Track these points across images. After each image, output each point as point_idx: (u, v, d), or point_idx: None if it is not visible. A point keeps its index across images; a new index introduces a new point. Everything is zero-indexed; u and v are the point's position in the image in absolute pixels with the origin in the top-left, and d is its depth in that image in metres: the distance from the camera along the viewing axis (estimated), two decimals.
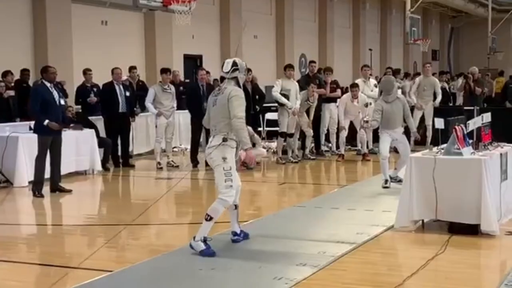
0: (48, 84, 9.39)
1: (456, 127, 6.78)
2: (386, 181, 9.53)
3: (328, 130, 13.67)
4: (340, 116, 13.03)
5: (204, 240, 5.99)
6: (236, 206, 6.43)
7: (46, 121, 9.22)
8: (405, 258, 6.18)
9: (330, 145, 14.06)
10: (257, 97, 12.76)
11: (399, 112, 9.55)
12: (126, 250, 6.67)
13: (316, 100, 12.85)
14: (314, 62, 14.29)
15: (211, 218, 6.04)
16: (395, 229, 6.91)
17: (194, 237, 6.04)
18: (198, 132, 12.28)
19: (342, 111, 12.92)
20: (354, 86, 13.12)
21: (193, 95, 12.34)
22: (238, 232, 6.50)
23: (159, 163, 12.22)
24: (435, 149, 7.18)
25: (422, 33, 27.73)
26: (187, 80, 18.11)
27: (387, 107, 9.46)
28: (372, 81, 14.20)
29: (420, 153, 7.28)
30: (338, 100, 13.40)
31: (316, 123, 13.36)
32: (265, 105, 13.72)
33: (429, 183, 6.69)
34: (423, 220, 7.00)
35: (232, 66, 6.38)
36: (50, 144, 9.41)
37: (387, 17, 32.95)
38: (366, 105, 12.84)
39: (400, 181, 9.11)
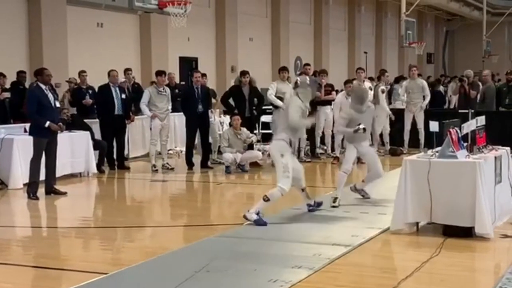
0: (43, 87, 9.38)
1: (451, 130, 6.80)
2: (335, 199, 8.49)
3: (323, 132, 13.70)
4: (336, 117, 13.03)
5: (257, 213, 7.22)
6: (303, 189, 7.99)
7: (48, 123, 9.20)
8: (400, 261, 6.19)
9: (325, 147, 14.08)
10: (255, 100, 12.76)
11: (369, 124, 8.80)
12: (121, 252, 6.67)
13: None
14: (308, 64, 14.32)
15: (268, 200, 7.37)
16: (390, 232, 6.92)
17: (248, 210, 7.28)
18: (193, 134, 12.28)
19: (337, 111, 12.91)
20: (348, 82, 13.19)
21: (188, 97, 12.35)
22: (312, 203, 8.12)
23: (154, 165, 12.22)
24: (429, 152, 7.19)
25: (417, 36, 27.77)
26: (183, 83, 18.12)
27: (357, 117, 8.54)
28: (367, 83, 14.21)
29: (415, 156, 7.30)
30: (333, 103, 13.42)
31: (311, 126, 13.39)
32: None
33: (424, 186, 6.70)
34: (418, 223, 7.01)
35: (295, 85, 8.31)
36: (45, 146, 9.40)
37: (382, 20, 33.03)
38: None
39: (366, 197, 8.83)
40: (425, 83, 14.68)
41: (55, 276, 5.74)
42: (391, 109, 14.47)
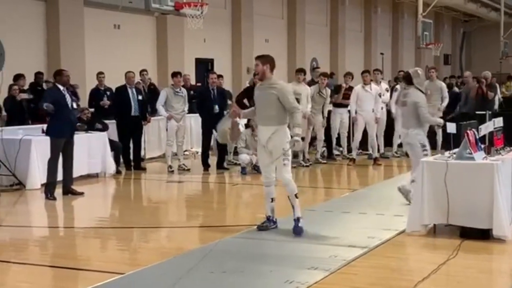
0: (61, 87, 9.46)
1: (468, 131, 6.76)
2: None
3: (339, 134, 13.68)
4: (352, 107, 12.98)
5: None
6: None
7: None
8: (417, 263, 6.16)
9: (341, 149, 14.05)
10: None
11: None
12: (137, 252, 6.70)
13: (328, 93, 12.92)
14: (318, 68, 14.32)
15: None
16: (407, 234, 6.89)
17: (299, 218, 6.90)
18: (209, 135, 12.31)
19: (354, 100, 12.86)
20: (365, 72, 13.19)
21: (204, 99, 12.38)
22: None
23: (170, 166, 12.26)
24: (447, 153, 7.15)
25: (434, 37, 27.64)
26: (199, 84, 18.15)
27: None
28: (384, 85, 14.18)
29: (432, 158, 7.26)
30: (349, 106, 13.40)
31: (327, 128, 13.39)
32: None
33: (441, 187, 6.67)
34: (434, 225, 6.97)
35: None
36: (62, 147, 9.47)
37: (398, 21, 32.90)
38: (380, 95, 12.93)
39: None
40: (443, 85, 14.54)
41: (72, 275, 5.78)
42: None
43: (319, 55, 25.90)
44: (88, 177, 11.28)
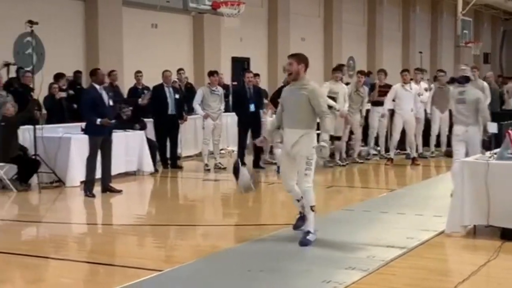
0: (97, 87, 9.59)
1: (510, 131, 6.63)
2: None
3: (377, 133, 13.56)
4: (386, 103, 12.85)
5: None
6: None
7: (98, 120, 9.39)
8: (456, 264, 6.07)
9: (378, 148, 13.92)
10: None
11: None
12: (174, 250, 6.73)
13: (366, 91, 12.80)
14: (343, 66, 14.30)
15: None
16: (446, 234, 6.79)
17: (309, 232, 6.44)
18: (245, 134, 12.32)
19: (390, 97, 12.73)
20: (405, 71, 13.06)
21: (239, 98, 12.39)
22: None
23: (206, 164, 12.30)
24: (487, 153, 7.02)
25: (473, 36, 27.25)
26: (234, 83, 18.18)
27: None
28: (423, 84, 14.00)
29: (472, 158, 7.14)
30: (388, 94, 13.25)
31: (365, 127, 13.30)
32: None
33: (482, 188, 6.55)
34: (474, 226, 6.86)
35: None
36: (100, 145, 9.58)
37: (437, 19, 32.48)
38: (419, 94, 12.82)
39: None
40: (485, 84, 14.28)
41: (110, 272, 5.84)
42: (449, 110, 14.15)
43: (356, 54, 25.72)
44: (126, 175, 11.38)
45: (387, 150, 13.41)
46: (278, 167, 11.80)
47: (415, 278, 5.45)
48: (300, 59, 6.62)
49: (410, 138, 13.03)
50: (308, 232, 6.45)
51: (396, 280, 5.39)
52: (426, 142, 13.95)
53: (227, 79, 17.92)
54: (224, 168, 12.35)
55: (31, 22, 10.34)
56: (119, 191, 9.82)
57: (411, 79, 13.11)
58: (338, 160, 12.72)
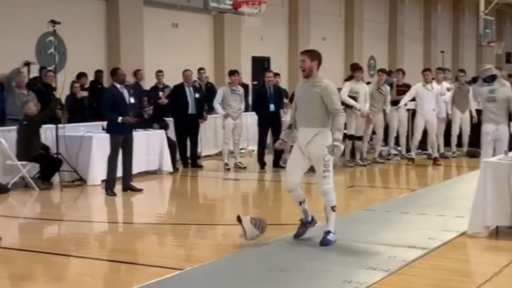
0: (118, 86, 9.65)
1: None
2: None
3: (397, 133, 13.48)
4: (404, 99, 12.76)
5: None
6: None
7: (120, 118, 9.44)
8: (478, 265, 6.02)
9: (399, 148, 13.83)
10: None
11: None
12: (194, 249, 6.74)
13: (388, 90, 12.73)
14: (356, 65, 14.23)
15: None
16: (468, 235, 6.73)
17: (329, 232, 6.32)
18: (265, 134, 12.31)
19: (409, 95, 12.64)
20: (426, 70, 12.97)
21: (260, 97, 12.38)
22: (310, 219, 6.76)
23: (226, 164, 12.30)
24: (510, 154, 6.94)
25: (496, 35, 26.97)
26: (255, 82, 18.18)
27: None
28: (445, 84, 13.88)
29: (495, 158, 7.07)
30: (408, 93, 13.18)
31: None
32: None
33: (504, 188, 6.49)
34: (497, 226, 6.79)
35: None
36: (122, 144, 9.63)
37: (459, 18, 32.23)
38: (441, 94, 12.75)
39: None
40: (508, 84, 14.10)
41: (131, 270, 5.86)
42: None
43: (377, 54, 25.60)
44: (146, 174, 11.42)
45: (408, 150, 13.32)
46: None
47: (436, 279, 5.40)
48: (313, 55, 6.41)
49: (432, 138, 12.93)
50: (328, 232, 6.36)
51: (417, 280, 5.35)
52: (447, 142, 13.84)
53: (247, 78, 17.92)
54: (244, 168, 12.35)
55: (53, 22, 10.42)
56: (140, 190, 9.86)
57: (433, 79, 13.01)
58: (359, 160, 12.66)
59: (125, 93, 9.72)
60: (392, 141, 13.68)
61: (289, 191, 6.59)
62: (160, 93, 12.61)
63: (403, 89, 13.25)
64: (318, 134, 6.28)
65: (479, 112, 13.56)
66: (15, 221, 8.22)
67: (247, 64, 19.20)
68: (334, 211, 6.41)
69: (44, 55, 13.34)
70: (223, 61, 18.15)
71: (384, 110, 12.79)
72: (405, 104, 13.15)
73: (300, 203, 6.55)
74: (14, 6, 13.16)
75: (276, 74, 13.69)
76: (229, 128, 12.31)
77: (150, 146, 11.47)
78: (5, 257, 6.24)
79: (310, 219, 6.67)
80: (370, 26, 25.28)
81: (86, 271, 5.81)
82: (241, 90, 12.62)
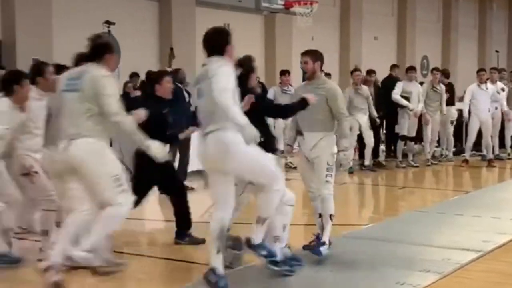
0: (179, 85, 9.87)
1: None
2: None
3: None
4: (465, 106, 12.55)
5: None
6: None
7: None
8: None
9: (454, 149, 13.62)
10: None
11: None
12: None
13: (443, 88, 12.54)
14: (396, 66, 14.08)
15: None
16: None
17: (324, 243, 5.85)
18: None
19: (468, 100, 12.42)
20: (481, 70, 12.77)
21: None
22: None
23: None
24: None
25: None
26: (304, 82, 18.10)
27: None
28: (500, 84, 13.59)
29: None
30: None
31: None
32: None
33: None
34: None
35: None
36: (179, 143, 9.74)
37: None
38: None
39: None
40: None
41: (184, 268, 5.92)
42: None
43: (430, 53, 25.22)
44: (198, 173, 11.49)
45: (460, 152, 13.13)
46: (350, 167, 11.70)
47: (490, 282, 5.32)
48: (316, 56, 6.06)
49: (487, 139, 12.68)
50: (323, 243, 5.86)
51: (471, 283, 5.28)
52: (502, 144, 13.56)
53: (297, 78, 17.89)
54: (295, 168, 12.31)
55: (108, 23, 10.63)
56: (192, 189, 9.94)
57: (487, 79, 12.77)
58: (411, 160, 12.51)
59: (185, 92, 9.94)
60: (446, 142, 13.47)
61: (312, 200, 6.16)
62: None
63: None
64: (323, 139, 5.92)
65: None
66: None
67: (298, 64, 19.11)
68: (331, 220, 5.96)
69: None
70: (274, 61, 18.18)
71: (441, 110, 12.54)
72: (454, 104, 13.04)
73: (320, 215, 6.04)
74: (71, 6, 13.47)
75: (327, 74, 13.61)
76: (278, 128, 12.30)
77: None
78: None
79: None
80: (423, 25, 24.92)
81: (141, 269, 5.87)
82: (292, 90, 12.60)
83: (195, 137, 10.76)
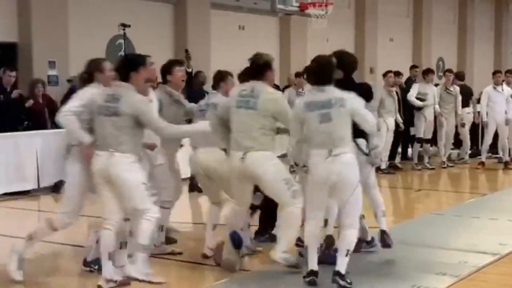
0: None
1: None
2: None
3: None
4: (482, 109, 12.47)
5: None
6: None
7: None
8: None
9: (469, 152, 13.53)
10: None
11: None
12: (268, 250, 6.67)
13: (457, 90, 12.47)
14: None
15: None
16: None
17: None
18: None
19: (484, 103, 12.34)
20: (497, 72, 12.71)
21: None
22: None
23: (295, 164, 12.23)
24: None
25: None
26: None
27: None
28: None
29: None
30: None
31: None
32: None
33: None
34: None
35: None
36: None
37: None
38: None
39: None
40: None
41: (210, 268, 5.89)
42: None
43: (446, 54, 25.09)
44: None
45: (477, 154, 13.04)
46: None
47: (507, 285, 5.31)
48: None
49: (503, 141, 12.60)
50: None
51: (487, 286, 5.27)
52: None
53: None
54: None
55: (123, 25, 10.65)
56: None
57: (503, 81, 12.69)
58: (427, 163, 12.45)
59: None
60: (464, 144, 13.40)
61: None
62: None
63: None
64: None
65: None
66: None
67: None
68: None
69: (113, 57, 13.64)
70: (289, 63, 18.17)
71: (456, 112, 12.47)
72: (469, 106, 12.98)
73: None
74: (86, 9, 13.54)
75: None
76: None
77: None
78: None
79: (369, 238, 6.18)
80: (439, 27, 24.79)
81: (165, 272, 5.80)
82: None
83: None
